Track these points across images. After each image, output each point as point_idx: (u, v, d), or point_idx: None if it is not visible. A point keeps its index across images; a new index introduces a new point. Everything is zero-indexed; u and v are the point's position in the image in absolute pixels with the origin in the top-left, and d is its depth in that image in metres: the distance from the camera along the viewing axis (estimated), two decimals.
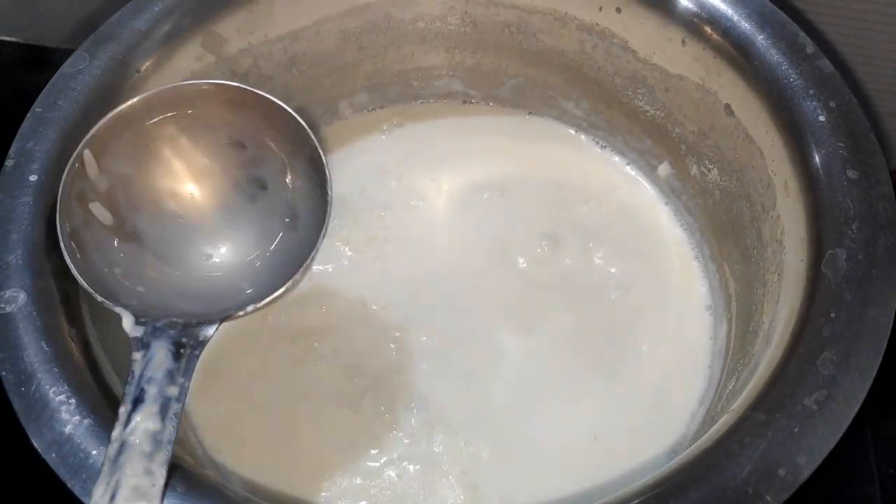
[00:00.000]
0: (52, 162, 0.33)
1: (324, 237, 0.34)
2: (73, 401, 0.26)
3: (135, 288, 0.32)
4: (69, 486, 0.24)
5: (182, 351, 0.28)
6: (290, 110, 0.34)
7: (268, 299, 0.32)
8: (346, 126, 0.49)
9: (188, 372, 0.28)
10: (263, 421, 0.38)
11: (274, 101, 0.34)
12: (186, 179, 0.36)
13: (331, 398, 0.38)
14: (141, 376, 0.27)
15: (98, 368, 0.28)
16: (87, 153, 0.32)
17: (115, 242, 0.33)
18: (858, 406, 0.25)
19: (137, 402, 0.26)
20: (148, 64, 0.37)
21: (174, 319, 0.30)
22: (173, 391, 0.27)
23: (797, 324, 0.28)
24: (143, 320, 0.29)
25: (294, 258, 0.34)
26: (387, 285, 0.42)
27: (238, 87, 0.34)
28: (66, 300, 0.30)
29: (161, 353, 0.28)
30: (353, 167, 0.47)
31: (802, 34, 0.35)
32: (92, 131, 0.32)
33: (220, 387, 0.39)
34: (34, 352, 0.27)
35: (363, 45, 0.45)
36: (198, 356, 0.29)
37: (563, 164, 0.47)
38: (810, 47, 0.34)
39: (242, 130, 0.35)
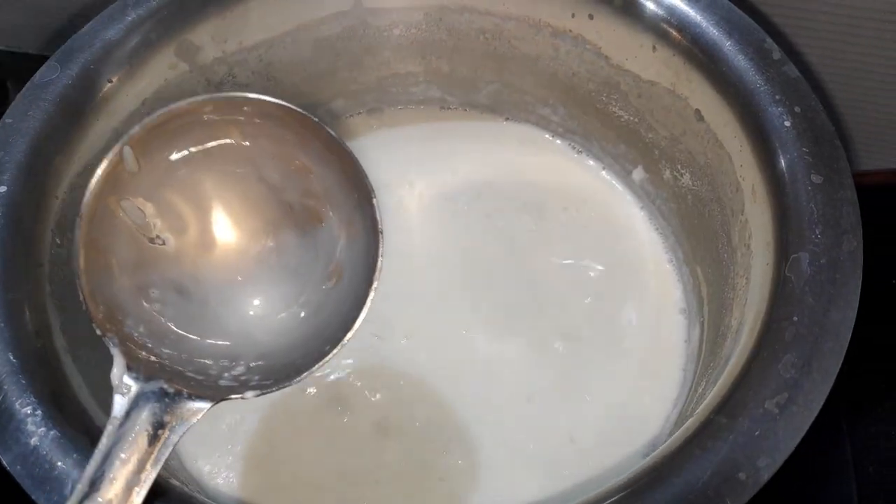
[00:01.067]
0: (22, 173, 0.33)
1: (372, 295, 0.30)
2: (38, 412, 0.26)
3: (144, 314, 0.29)
4: (34, 497, 0.24)
5: (160, 433, 0.26)
6: (347, 148, 0.31)
7: (291, 381, 0.29)
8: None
9: (158, 462, 0.25)
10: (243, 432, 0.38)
11: (333, 136, 0.30)
12: (223, 206, 0.32)
13: (307, 406, 0.38)
14: (107, 455, 0.24)
15: (67, 380, 0.28)
16: (126, 149, 0.29)
17: (141, 250, 0.30)
18: (819, 408, 0.26)
19: (95, 483, 0.24)
20: (120, 73, 0.37)
21: (165, 387, 0.27)
22: (138, 479, 0.24)
23: (761, 327, 0.28)
24: (133, 375, 0.26)
25: (334, 317, 0.30)
26: None
27: (303, 114, 0.30)
28: (35, 310, 0.30)
29: (137, 430, 0.25)
30: None
31: (769, 40, 0.35)
32: (134, 129, 0.30)
33: None
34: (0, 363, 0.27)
35: (339, 52, 0.45)
36: (173, 443, 0.26)
37: (540, 169, 0.48)
38: (776, 53, 0.35)
39: (290, 163, 0.31)
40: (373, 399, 0.39)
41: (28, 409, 0.26)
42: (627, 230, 0.45)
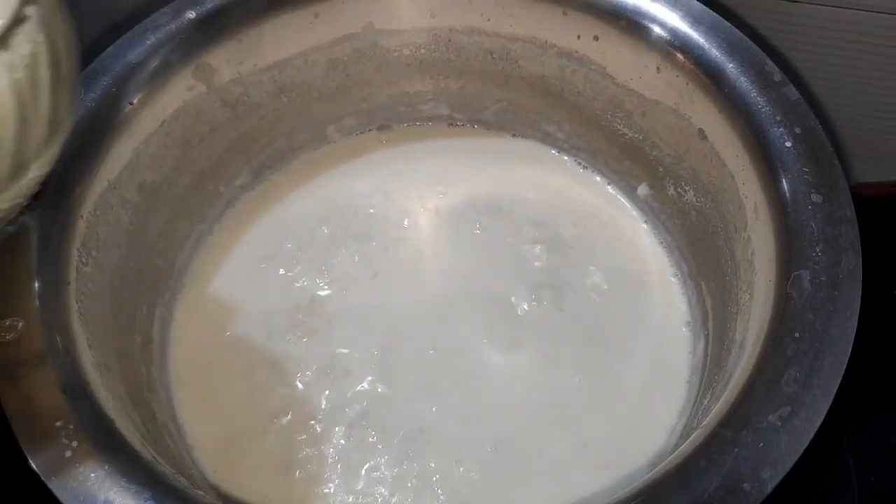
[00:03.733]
0: (50, 194, 0.34)
1: None
2: (71, 426, 0.27)
3: None
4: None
5: None
6: None
7: None
8: (334, 149, 0.50)
9: None
10: (259, 442, 0.39)
11: None
12: None
13: (324, 420, 0.39)
14: None
15: (95, 394, 0.29)
16: None
17: None
18: (821, 421, 0.27)
19: None
20: (141, 95, 0.39)
21: None
22: None
23: (764, 343, 0.29)
24: None
25: None
26: (375, 304, 0.44)
27: None
28: (63, 327, 0.31)
29: None
30: (341, 190, 0.48)
31: (770, 62, 0.36)
32: None
33: (217, 408, 0.40)
34: None
35: (350, 72, 0.46)
36: None
37: (547, 185, 0.49)
38: (777, 75, 0.36)
39: None
40: (389, 412, 0.40)
41: (59, 423, 0.27)
42: (633, 245, 0.46)
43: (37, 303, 0.31)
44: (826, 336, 0.28)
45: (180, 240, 0.44)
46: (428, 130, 0.51)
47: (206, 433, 0.39)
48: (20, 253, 0.32)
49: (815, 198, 0.32)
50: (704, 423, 0.28)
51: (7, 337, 0.30)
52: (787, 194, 0.32)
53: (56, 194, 0.34)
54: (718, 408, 0.28)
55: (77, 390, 0.29)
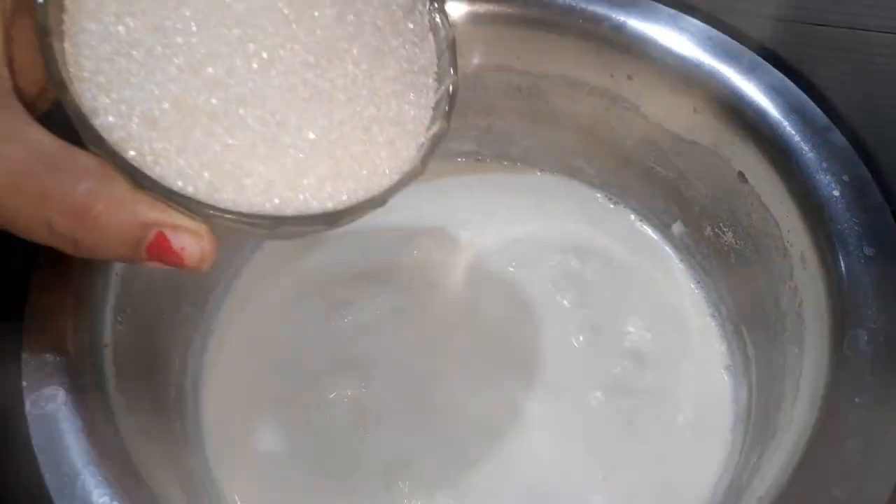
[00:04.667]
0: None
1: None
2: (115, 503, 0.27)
3: None
4: None
5: None
6: None
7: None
8: None
9: None
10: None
11: None
12: None
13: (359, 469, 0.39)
14: None
15: (135, 467, 0.29)
16: None
17: None
18: (888, 493, 0.26)
19: None
20: None
21: None
22: None
23: (822, 407, 0.28)
24: None
25: None
26: (407, 348, 0.43)
27: None
28: (101, 394, 0.31)
29: None
30: (368, 228, 0.48)
31: (813, 106, 0.35)
32: None
33: (250, 463, 0.39)
34: (77, 452, 0.28)
35: None
36: None
37: (576, 221, 0.48)
38: (822, 120, 0.35)
39: None
40: (422, 461, 0.39)
41: (105, 500, 0.27)
42: (667, 284, 0.45)
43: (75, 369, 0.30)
44: (888, 401, 0.27)
45: (210, 286, 0.43)
46: (454, 166, 0.51)
47: (241, 490, 0.38)
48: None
49: (868, 250, 0.31)
50: (761, 492, 0.27)
51: (47, 408, 0.29)
52: (838, 246, 0.32)
53: None
54: (776, 477, 0.27)
55: (121, 467, 0.28)
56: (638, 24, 0.40)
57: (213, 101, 0.23)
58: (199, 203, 0.23)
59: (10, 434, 0.34)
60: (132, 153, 0.22)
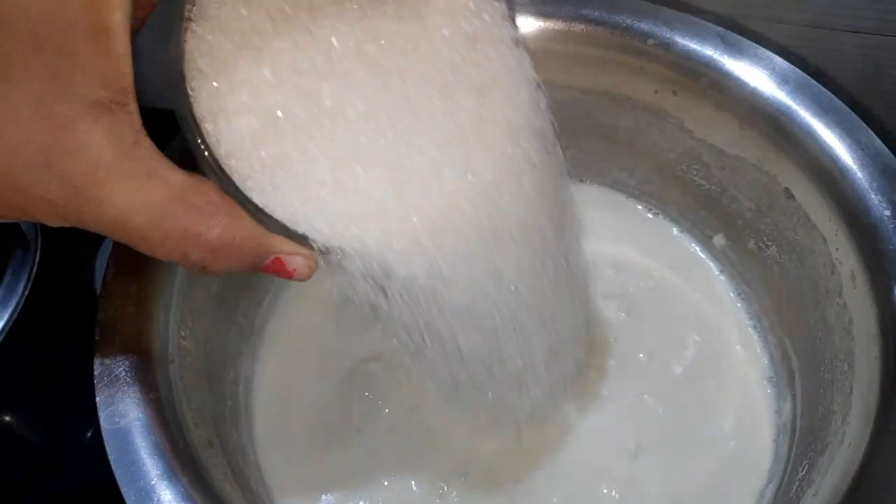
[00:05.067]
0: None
1: None
2: None
3: None
4: None
5: None
6: None
7: None
8: None
9: None
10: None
11: None
12: None
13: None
14: None
15: (209, 475, 0.30)
16: None
17: None
18: None
19: None
20: None
21: None
22: None
23: (875, 427, 0.29)
24: None
25: None
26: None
27: None
28: (170, 408, 0.32)
29: None
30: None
31: (863, 125, 0.36)
32: None
33: (304, 475, 0.40)
34: (151, 466, 0.29)
35: None
36: None
37: (616, 231, 0.48)
38: (872, 139, 0.35)
39: None
40: (480, 471, 0.40)
41: None
42: (708, 294, 0.45)
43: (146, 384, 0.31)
44: None
45: (259, 297, 0.44)
46: None
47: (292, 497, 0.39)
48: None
49: None
50: None
51: (121, 423, 0.30)
52: (890, 269, 0.32)
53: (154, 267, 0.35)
54: (831, 492, 0.28)
55: (194, 479, 0.29)
56: (684, 41, 0.40)
57: (333, 157, 0.26)
58: (315, 242, 0.26)
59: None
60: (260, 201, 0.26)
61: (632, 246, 0.48)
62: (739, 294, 0.45)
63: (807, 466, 0.34)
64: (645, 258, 0.47)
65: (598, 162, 0.48)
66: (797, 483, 0.34)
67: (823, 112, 0.37)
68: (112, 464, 0.29)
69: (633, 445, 0.40)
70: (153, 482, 0.29)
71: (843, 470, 0.29)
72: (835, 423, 0.33)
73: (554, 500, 0.39)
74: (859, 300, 0.33)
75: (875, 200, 0.34)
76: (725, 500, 0.38)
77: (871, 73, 0.45)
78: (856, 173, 0.35)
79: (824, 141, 0.36)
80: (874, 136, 0.35)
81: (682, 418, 0.41)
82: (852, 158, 0.35)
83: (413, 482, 0.40)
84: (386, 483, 0.40)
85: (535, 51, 0.43)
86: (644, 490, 0.39)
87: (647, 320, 0.45)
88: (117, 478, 0.29)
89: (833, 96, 0.37)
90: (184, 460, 0.30)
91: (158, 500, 0.28)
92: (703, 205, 0.45)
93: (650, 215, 0.49)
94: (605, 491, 0.39)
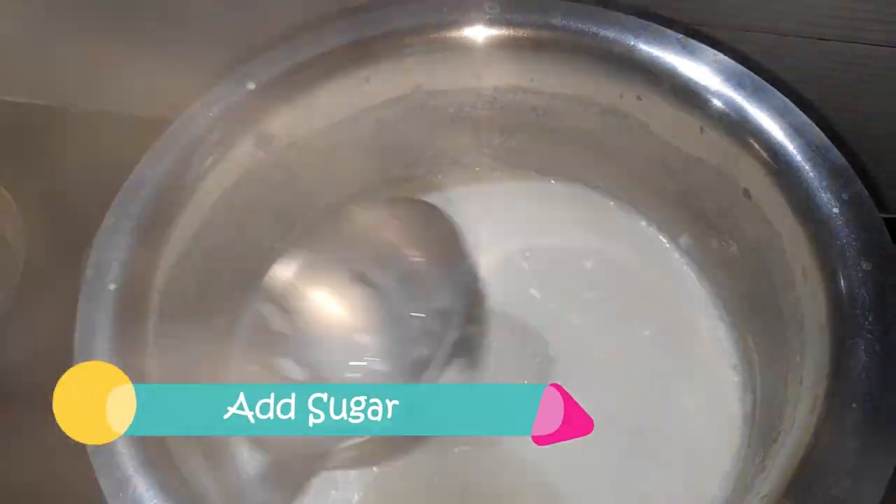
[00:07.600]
0: (127, 270, 0.36)
1: None
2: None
3: None
4: None
5: None
6: None
7: None
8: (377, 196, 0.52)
9: None
10: None
11: None
12: None
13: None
14: None
15: (183, 474, 0.31)
16: None
17: None
18: (882, 492, 0.28)
19: None
20: (206, 165, 0.40)
21: None
22: None
23: (821, 412, 0.30)
24: None
25: None
26: None
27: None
28: None
29: None
30: None
31: (815, 127, 0.37)
32: None
33: None
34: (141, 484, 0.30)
35: (398, 130, 0.48)
36: None
37: (588, 228, 0.50)
38: (822, 140, 0.37)
39: None
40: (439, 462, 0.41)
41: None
42: (677, 287, 0.47)
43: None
44: (883, 405, 0.29)
45: (237, 299, 0.46)
46: (470, 175, 0.52)
47: None
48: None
49: (865, 265, 0.33)
50: (765, 491, 0.29)
51: None
52: (836, 261, 0.34)
53: (133, 270, 0.36)
54: (778, 479, 0.29)
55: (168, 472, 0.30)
56: (647, 48, 0.42)
57: None
58: None
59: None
60: None
61: (604, 241, 0.49)
62: (707, 289, 0.46)
63: (762, 455, 0.35)
64: (616, 252, 0.48)
65: (571, 165, 0.50)
66: (753, 471, 0.35)
67: (778, 114, 0.38)
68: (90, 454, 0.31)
69: (597, 429, 0.41)
70: (129, 473, 0.30)
71: (790, 455, 0.30)
72: (787, 412, 0.34)
73: (521, 497, 0.40)
74: (810, 294, 0.35)
75: (825, 198, 0.35)
76: (692, 487, 0.40)
77: (836, 81, 0.46)
78: (808, 172, 0.36)
79: (778, 142, 0.38)
80: (824, 137, 0.37)
81: (648, 406, 0.42)
82: (804, 159, 0.37)
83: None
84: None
85: (506, 58, 0.46)
86: (609, 477, 0.40)
87: (616, 310, 0.46)
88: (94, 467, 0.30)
89: (787, 100, 0.39)
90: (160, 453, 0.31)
91: (134, 489, 0.30)
92: (669, 205, 0.47)
93: (623, 213, 0.50)
94: (569, 474, 0.40)
